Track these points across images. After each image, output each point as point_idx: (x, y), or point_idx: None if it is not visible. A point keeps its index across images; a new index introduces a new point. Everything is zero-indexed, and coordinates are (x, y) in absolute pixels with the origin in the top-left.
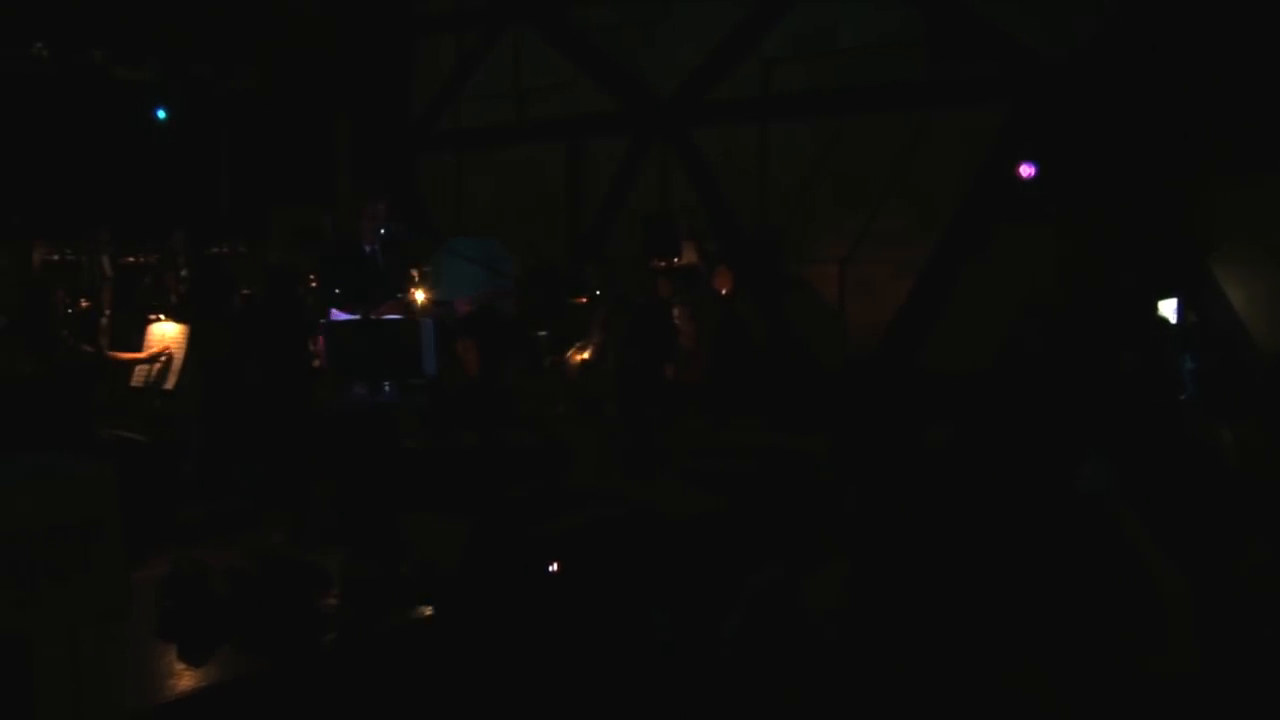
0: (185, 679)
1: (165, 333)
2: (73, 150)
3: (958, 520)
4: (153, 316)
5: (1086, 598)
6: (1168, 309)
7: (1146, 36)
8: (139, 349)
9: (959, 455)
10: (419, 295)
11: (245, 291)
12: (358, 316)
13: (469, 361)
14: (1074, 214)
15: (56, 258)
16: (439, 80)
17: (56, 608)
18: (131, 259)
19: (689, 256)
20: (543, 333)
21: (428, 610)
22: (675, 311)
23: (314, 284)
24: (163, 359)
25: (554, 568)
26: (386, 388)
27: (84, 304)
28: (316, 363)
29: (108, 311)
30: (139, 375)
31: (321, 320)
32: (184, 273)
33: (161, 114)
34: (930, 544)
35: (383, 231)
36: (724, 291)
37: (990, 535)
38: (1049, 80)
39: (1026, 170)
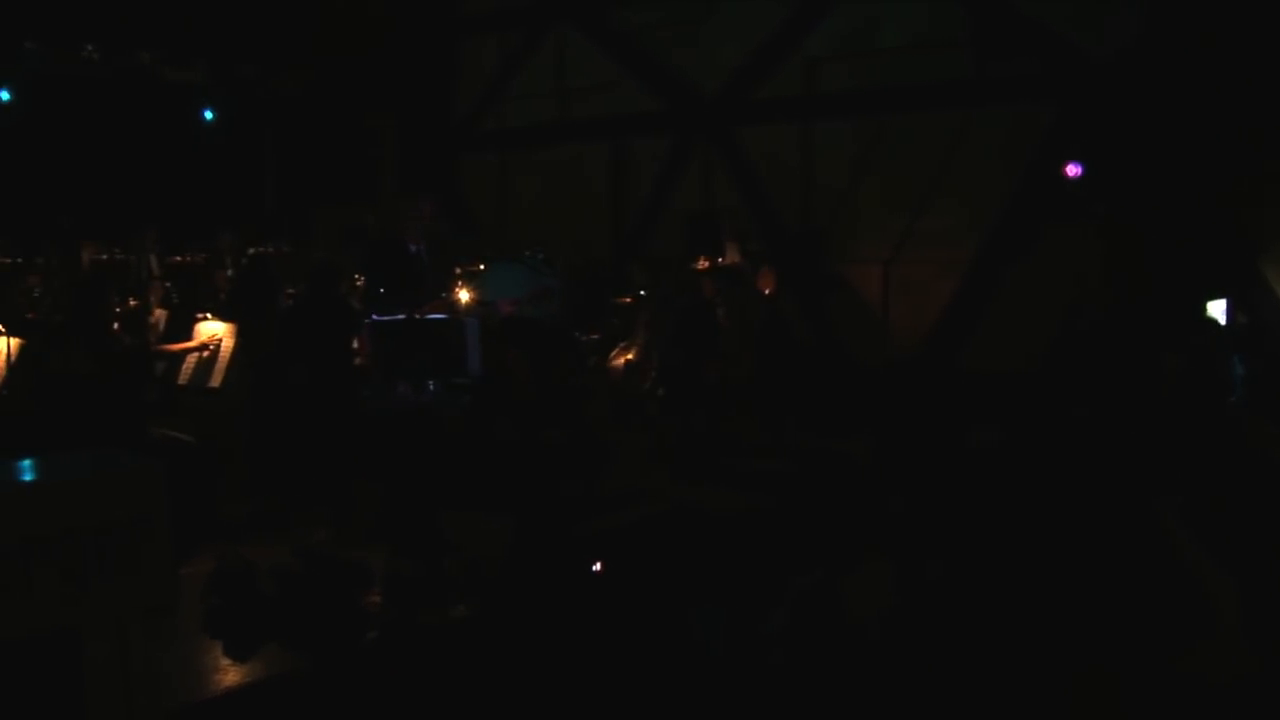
0: (230, 674)
1: (213, 331)
2: (121, 151)
3: (1006, 522)
4: (200, 315)
5: (1134, 602)
6: (1217, 310)
7: (1194, 34)
8: None
9: (1007, 457)
10: (463, 295)
11: (290, 290)
12: (401, 316)
13: (515, 361)
14: (1121, 214)
15: (105, 257)
16: (482, 80)
17: (107, 603)
18: (178, 258)
19: (731, 256)
20: (595, 336)
21: (471, 609)
22: (719, 312)
23: (358, 283)
24: (210, 348)
25: (597, 567)
26: (430, 386)
27: (132, 303)
28: (359, 361)
29: (156, 310)
30: (185, 374)
31: (366, 319)
32: (230, 272)
33: (208, 115)
34: (977, 545)
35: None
36: (767, 292)
37: (1040, 538)
38: (1096, 78)
39: (1073, 170)
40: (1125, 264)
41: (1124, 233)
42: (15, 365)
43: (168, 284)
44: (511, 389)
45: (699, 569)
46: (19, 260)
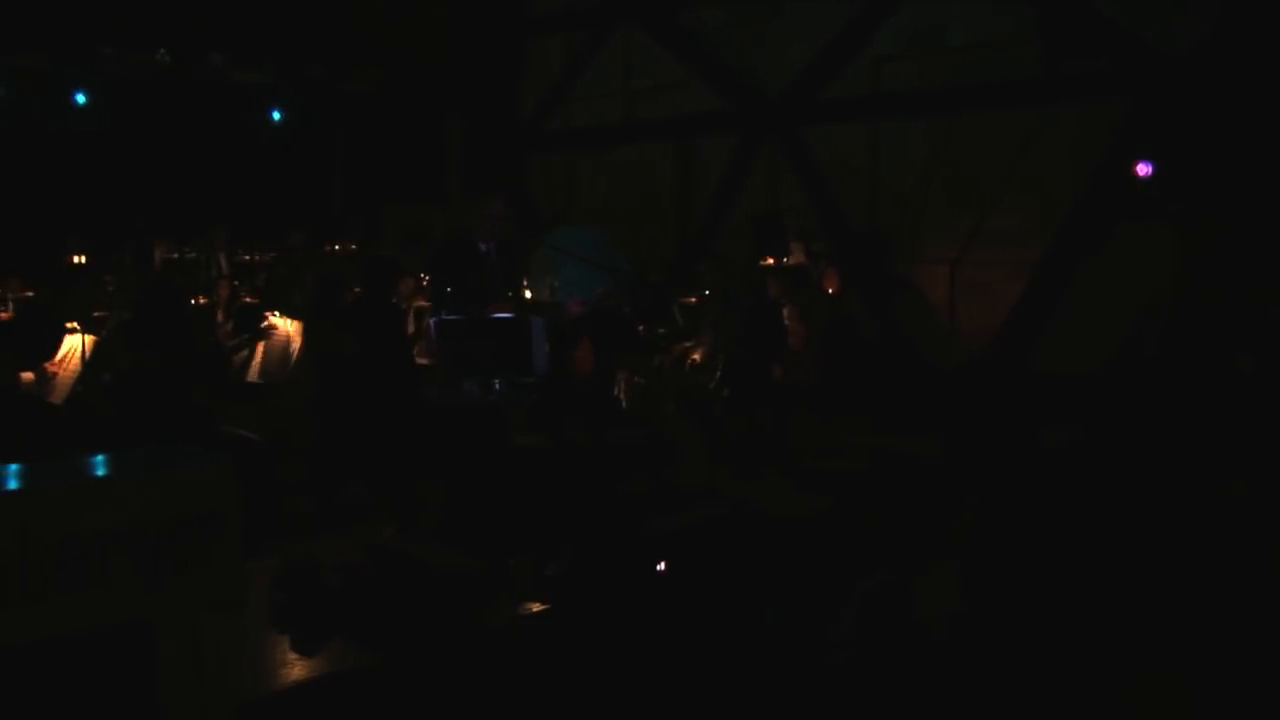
0: (296, 669)
1: (279, 327)
2: (192, 151)
3: (1076, 523)
4: (269, 313)
5: (1213, 602)
6: None
7: (1269, 26)
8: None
9: (1078, 458)
10: (529, 293)
11: (356, 289)
12: (469, 315)
13: (583, 360)
14: (1193, 213)
15: (176, 256)
16: (549, 81)
17: (178, 596)
18: (248, 257)
19: (797, 256)
20: (661, 330)
21: (535, 607)
22: (785, 311)
23: (425, 282)
24: (276, 346)
25: (662, 566)
26: (496, 385)
27: (202, 301)
28: (425, 360)
29: (224, 308)
30: (253, 371)
31: (432, 317)
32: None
33: (277, 115)
34: (1050, 547)
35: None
36: (832, 291)
37: (1110, 539)
38: (1168, 74)
39: (1144, 169)
40: (1197, 264)
41: (1196, 232)
42: (90, 363)
43: (236, 282)
44: (579, 388)
45: (765, 570)
46: (95, 259)
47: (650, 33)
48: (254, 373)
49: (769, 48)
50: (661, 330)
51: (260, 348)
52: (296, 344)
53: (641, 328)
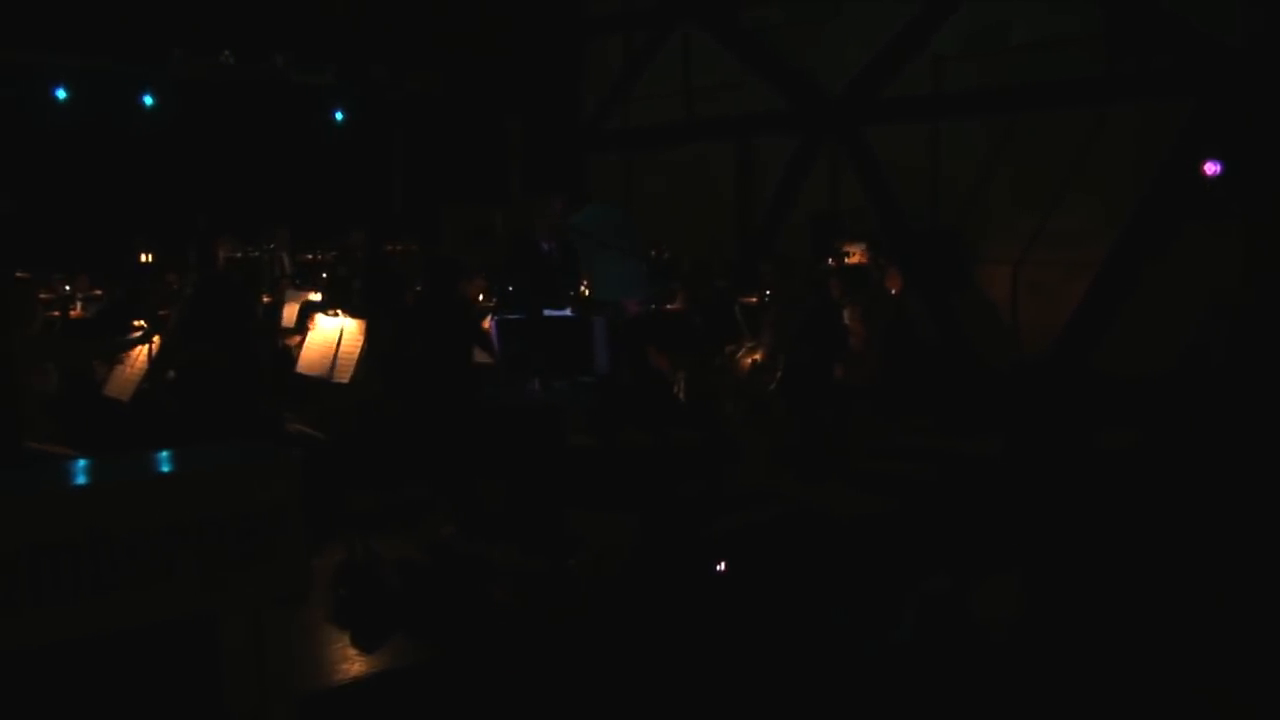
0: (356, 664)
1: (339, 325)
2: (255, 152)
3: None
4: (331, 312)
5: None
6: None
7: None
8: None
9: (1140, 461)
10: (588, 292)
11: (418, 288)
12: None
13: (658, 364)
14: (1260, 213)
15: (239, 255)
16: (608, 80)
17: (242, 590)
18: (310, 256)
19: (858, 256)
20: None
21: (595, 605)
22: (846, 311)
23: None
24: (336, 342)
25: (721, 567)
26: (558, 385)
27: (265, 299)
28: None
29: (287, 307)
30: (315, 367)
31: (494, 317)
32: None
33: (339, 116)
34: (1113, 549)
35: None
36: (894, 292)
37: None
38: (1234, 71)
39: (1211, 168)
40: (1265, 265)
41: (1264, 232)
42: (156, 361)
43: (298, 281)
44: (641, 388)
45: (824, 572)
46: (160, 258)
47: (709, 32)
48: (314, 368)
49: (828, 47)
50: (720, 333)
51: (305, 338)
52: (351, 341)
53: (702, 327)
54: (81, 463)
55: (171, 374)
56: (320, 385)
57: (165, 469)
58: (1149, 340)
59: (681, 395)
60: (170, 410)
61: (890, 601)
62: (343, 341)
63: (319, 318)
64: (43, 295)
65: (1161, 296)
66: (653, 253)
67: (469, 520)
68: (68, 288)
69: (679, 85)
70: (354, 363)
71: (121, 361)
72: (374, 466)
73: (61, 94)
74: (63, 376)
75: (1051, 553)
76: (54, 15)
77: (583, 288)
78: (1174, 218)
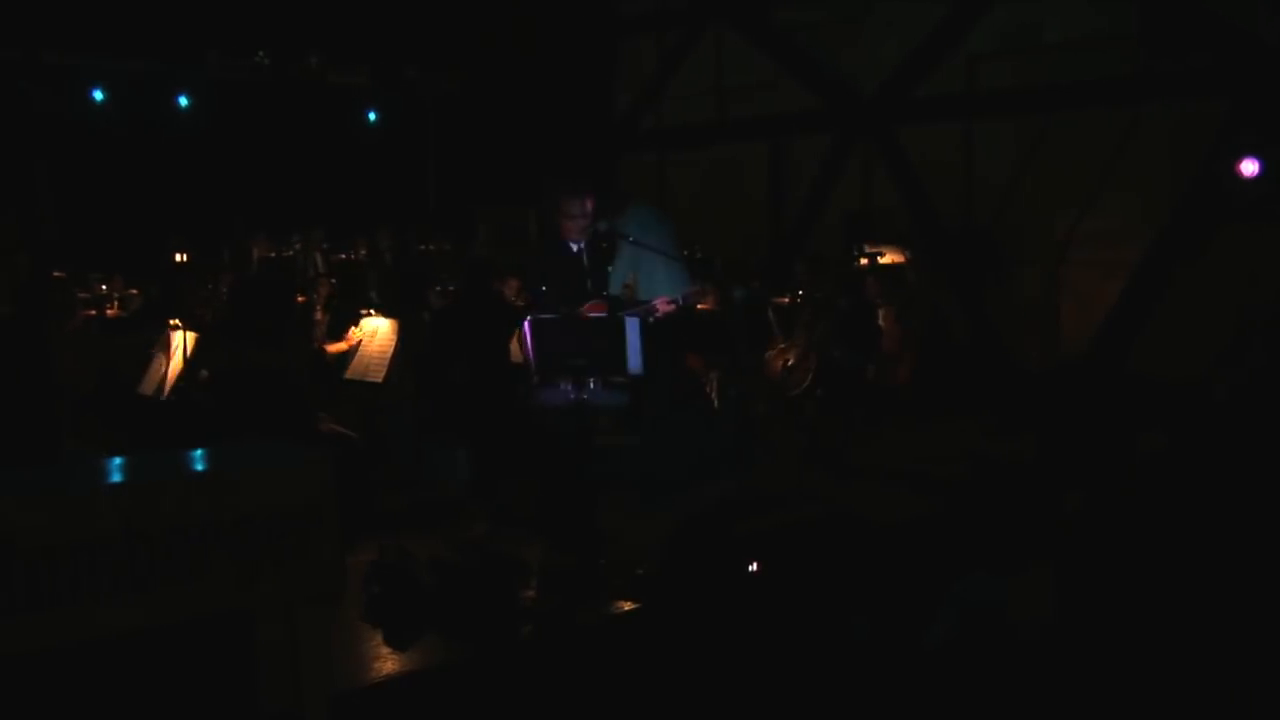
0: (389, 663)
1: (375, 327)
2: (289, 153)
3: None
4: (364, 311)
5: None
6: None
7: None
8: None
9: (1176, 463)
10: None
11: (451, 288)
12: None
13: (692, 365)
14: None
15: (273, 255)
16: (640, 80)
17: (277, 588)
18: (344, 256)
19: (892, 257)
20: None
21: (627, 605)
22: (880, 312)
23: (519, 282)
24: (371, 341)
25: (754, 567)
26: (590, 384)
27: (299, 299)
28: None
29: (321, 306)
30: (352, 368)
31: (526, 316)
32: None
33: (372, 117)
34: (1147, 551)
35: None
36: (928, 293)
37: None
38: (1274, 70)
39: (1250, 167)
40: None
41: None
42: (192, 361)
43: (333, 280)
44: (675, 388)
45: (857, 573)
46: (195, 258)
47: (741, 32)
48: (352, 369)
49: (861, 47)
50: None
51: (358, 344)
52: (385, 341)
53: (735, 328)
54: (119, 461)
55: (205, 373)
56: (355, 384)
57: (202, 468)
58: (1187, 341)
59: (714, 396)
60: (206, 409)
61: (925, 602)
62: (376, 341)
63: (362, 323)
64: (80, 294)
65: (1201, 298)
66: (685, 253)
67: (501, 519)
68: (104, 287)
69: (712, 85)
70: (387, 362)
71: (157, 360)
72: (409, 463)
73: (99, 95)
74: (99, 376)
75: (1084, 554)
76: (91, 18)
77: (624, 286)
78: (1211, 218)
